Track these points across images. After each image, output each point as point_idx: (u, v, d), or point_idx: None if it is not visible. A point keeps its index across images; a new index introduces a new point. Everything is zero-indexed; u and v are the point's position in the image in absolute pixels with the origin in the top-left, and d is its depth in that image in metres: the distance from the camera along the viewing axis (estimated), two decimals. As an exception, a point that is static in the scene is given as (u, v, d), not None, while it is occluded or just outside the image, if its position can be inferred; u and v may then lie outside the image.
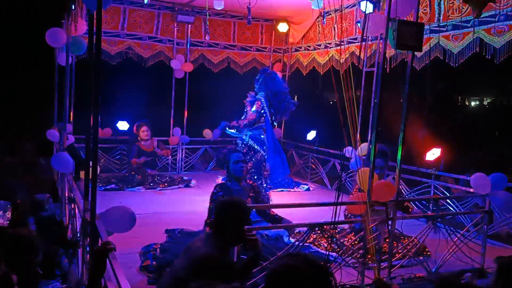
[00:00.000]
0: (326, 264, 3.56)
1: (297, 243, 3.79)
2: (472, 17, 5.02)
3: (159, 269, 4.08)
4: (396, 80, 3.77)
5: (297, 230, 5.11)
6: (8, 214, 3.36)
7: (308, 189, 8.12)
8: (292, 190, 7.85)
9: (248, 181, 4.80)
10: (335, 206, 3.36)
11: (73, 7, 5.22)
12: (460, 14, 5.38)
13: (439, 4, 5.52)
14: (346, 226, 5.10)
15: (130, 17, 8.16)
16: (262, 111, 6.88)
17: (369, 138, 6.02)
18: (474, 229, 4.73)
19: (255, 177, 6.64)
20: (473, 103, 22.69)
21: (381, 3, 6.22)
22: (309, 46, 8.72)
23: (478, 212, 4.79)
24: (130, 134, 8.30)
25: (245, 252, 3.19)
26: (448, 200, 6.13)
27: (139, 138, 7.82)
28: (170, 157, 8.86)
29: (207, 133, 9.17)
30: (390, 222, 3.76)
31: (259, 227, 4.12)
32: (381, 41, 4.79)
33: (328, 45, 8.08)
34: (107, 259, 2.49)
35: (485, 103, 22.15)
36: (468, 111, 21.12)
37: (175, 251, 4.21)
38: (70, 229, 4.72)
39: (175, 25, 8.45)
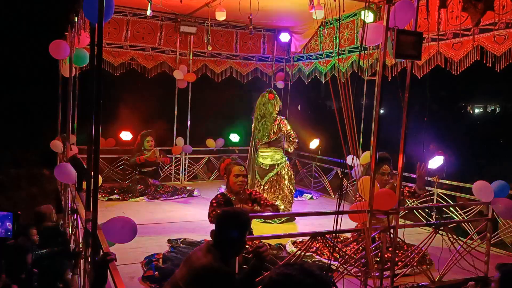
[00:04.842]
0: (326, 273, 3.55)
1: (299, 252, 3.78)
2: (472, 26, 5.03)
3: (161, 279, 4.07)
4: (397, 88, 3.78)
5: (299, 240, 5.11)
6: (9, 225, 3.39)
7: (311, 198, 8.11)
8: (295, 199, 7.83)
9: (247, 191, 4.77)
10: (336, 215, 3.36)
11: (76, 20, 5.28)
12: (460, 22, 5.40)
13: (439, 13, 5.54)
14: (349, 235, 5.09)
15: (133, 29, 8.24)
16: None
17: (371, 146, 6.02)
18: (478, 237, 4.71)
19: None
20: (476, 111, 22.63)
21: (381, 12, 6.25)
22: (311, 56, 8.76)
23: (481, 220, 4.77)
24: (133, 144, 8.34)
25: (246, 262, 3.19)
26: (451, 208, 6.11)
27: (142, 148, 7.84)
28: (173, 166, 8.89)
29: (210, 142, 9.21)
30: (392, 231, 3.75)
31: (261, 237, 4.10)
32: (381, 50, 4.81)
33: (329, 54, 8.12)
34: (108, 270, 2.50)
35: (489, 110, 22.08)
36: (471, 119, 21.06)
37: (177, 261, 4.20)
38: (73, 240, 4.73)
39: (178, 36, 8.52)
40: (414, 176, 4.85)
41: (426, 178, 4.87)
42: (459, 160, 9.83)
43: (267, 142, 6.86)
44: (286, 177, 6.87)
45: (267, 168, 6.83)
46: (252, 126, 7.02)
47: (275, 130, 6.85)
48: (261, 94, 6.95)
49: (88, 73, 6.21)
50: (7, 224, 3.41)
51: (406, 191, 4.86)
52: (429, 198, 6.40)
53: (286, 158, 7.08)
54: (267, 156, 6.88)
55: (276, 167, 6.84)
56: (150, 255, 4.69)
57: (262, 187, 6.78)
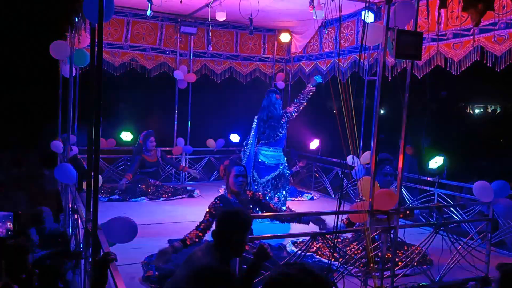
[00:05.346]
0: (326, 274, 3.55)
1: (299, 252, 3.79)
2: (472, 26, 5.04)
3: (161, 279, 4.07)
4: (397, 89, 3.78)
5: (300, 240, 5.11)
6: (10, 225, 3.39)
7: (311, 198, 8.11)
8: (296, 199, 7.84)
9: (248, 192, 4.77)
10: (336, 215, 3.36)
11: (76, 20, 5.28)
12: (460, 22, 5.40)
13: (439, 13, 5.54)
14: (349, 235, 5.09)
15: (134, 29, 8.25)
16: None
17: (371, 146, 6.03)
18: (478, 237, 4.71)
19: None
20: (477, 111, 22.62)
21: (381, 13, 6.26)
22: (311, 56, 8.76)
23: (481, 220, 4.77)
24: (134, 145, 8.34)
25: (246, 262, 3.19)
26: (452, 208, 6.11)
27: (144, 149, 7.84)
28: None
29: (211, 143, 9.22)
30: (392, 231, 3.75)
31: (262, 237, 4.10)
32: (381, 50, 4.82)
33: (330, 54, 8.12)
34: (108, 270, 2.50)
35: (489, 110, 22.08)
36: (472, 119, 21.04)
37: (177, 262, 4.20)
38: (74, 240, 4.74)
39: (178, 36, 8.54)
40: (416, 176, 4.86)
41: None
42: (460, 160, 9.83)
43: (273, 142, 6.84)
44: (286, 179, 6.88)
45: (272, 166, 6.79)
46: (255, 125, 6.94)
47: (282, 126, 6.85)
48: (266, 95, 6.88)
49: (88, 73, 6.21)
50: (8, 224, 3.42)
51: None
52: (430, 198, 6.41)
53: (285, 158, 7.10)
54: (272, 156, 6.83)
55: (280, 166, 6.83)
56: (150, 255, 4.69)
57: (260, 186, 6.74)
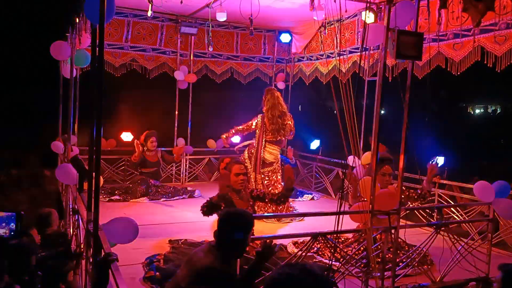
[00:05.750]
0: (327, 274, 3.55)
1: (300, 252, 3.79)
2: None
3: (162, 280, 4.08)
4: (398, 89, 3.79)
5: (301, 240, 5.11)
6: (12, 226, 3.39)
7: (312, 199, 8.11)
8: (296, 199, 7.84)
9: (247, 189, 4.78)
10: (337, 216, 3.36)
11: (77, 21, 5.29)
12: (460, 23, 5.40)
13: (439, 13, 5.55)
14: (350, 235, 5.09)
15: (134, 29, 8.25)
16: None
17: (372, 146, 6.03)
18: (479, 237, 4.71)
19: None
20: (477, 111, 22.62)
21: (382, 13, 6.26)
22: (311, 56, 8.76)
23: (482, 220, 4.77)
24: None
25: (247, 263, 3.19)
26: (452, 209, 6.11)
27: (145, 148, 7.84)
28: (174, 167, 8.89)
29: (211, 143, 9.22)
30: (393, 231, 3.75)
31: (262, 237, 4.10)
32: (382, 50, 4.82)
33: (330, 55, 8.13)
34: (110, 270, 2.50)
35: (489, 110, 22.09)
36: (472, 119, 21.06)
37: (178, 262, 4.21)
38: (74, 241, 4.74)
39: (179, 37, 8.54)
40: (416, 176, 4.86)
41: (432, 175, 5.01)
42: (460, 160, 9.83)
43: (277, 140, 6.94)
44: (280, 171, 7.01)
45: (268, 163, 6.99)
46: (263, 121, 6.98)
47: (288, 127, 6.99)
48: (270, 93, 6.95)
49: (89, 74, 6.22)
50: (11, 224, 3.43)
51: (414, 194, 4.93)
52: (430, 198, 6.40)
53: (284, 157, 7.20)
54: (272, 153, 6.99)
55: (274, 163, 7.02)
56: (151, 256, 4.69)
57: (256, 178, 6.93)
